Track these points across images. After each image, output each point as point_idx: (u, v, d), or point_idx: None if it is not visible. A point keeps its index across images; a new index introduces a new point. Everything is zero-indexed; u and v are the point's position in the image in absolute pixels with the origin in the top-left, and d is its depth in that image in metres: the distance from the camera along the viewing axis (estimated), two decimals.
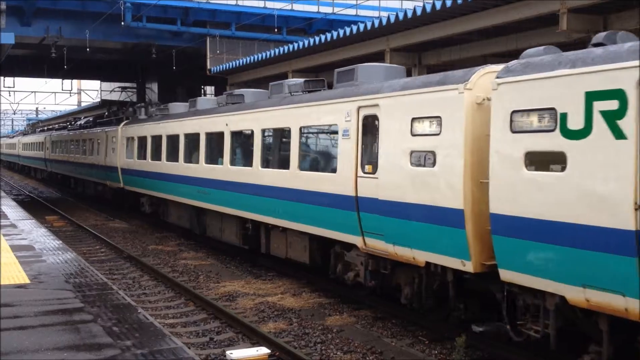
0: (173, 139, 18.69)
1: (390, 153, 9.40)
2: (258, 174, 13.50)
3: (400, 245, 9.26)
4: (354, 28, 17.73)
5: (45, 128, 54.58)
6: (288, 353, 8.69)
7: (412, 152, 9.02)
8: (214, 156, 16.08)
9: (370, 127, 10.03)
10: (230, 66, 25.63)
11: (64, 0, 25.15)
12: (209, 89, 39.66)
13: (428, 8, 14.53)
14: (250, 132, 14.06)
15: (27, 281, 9.44)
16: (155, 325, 7.43)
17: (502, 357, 8.67)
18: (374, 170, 9.77)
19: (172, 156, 18.62)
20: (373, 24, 16.91)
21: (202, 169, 16.47)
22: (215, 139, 16.17)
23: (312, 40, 20.07)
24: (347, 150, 10.42)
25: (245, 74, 25.95)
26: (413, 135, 9.00)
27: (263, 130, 13.55)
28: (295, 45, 21.03)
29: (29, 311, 7.79)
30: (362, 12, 27.64)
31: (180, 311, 11.42)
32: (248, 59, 24.36)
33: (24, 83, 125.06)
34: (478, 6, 13.59)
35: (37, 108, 73.13)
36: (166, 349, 6.51)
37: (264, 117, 13.51)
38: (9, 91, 53.79)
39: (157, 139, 20.09)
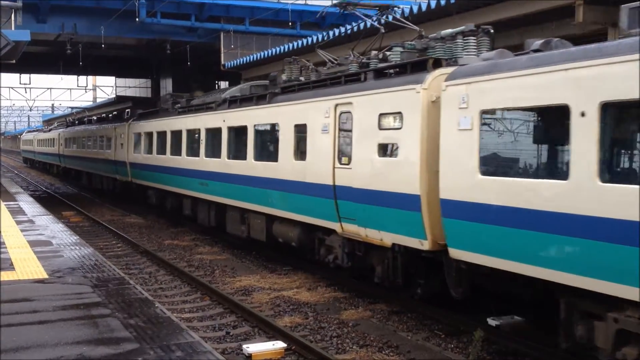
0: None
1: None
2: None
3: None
4: (368, 22, 17.65)
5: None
6: (304, 347, 8.72)
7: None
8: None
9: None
10: (244, 61, 25.67)
11: None
12: (223, 84, 39.74)
13: (433, 5, 14.79)
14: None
15: (46, 276, 9.55)
16: (172, 320, 7.49)
17: (519, 351, 8.64)
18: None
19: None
20: (386, 17, 16.83)
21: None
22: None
23: (325, 35, 20.04)
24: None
25: (259, 69, 25.97)
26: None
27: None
28: (309, 39, 21.01)
29: (47, 306, 7.88)
30: None
31: (197, 305, 11.49)
32: (262, 53, 24.39)
33: (39, 80, 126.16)
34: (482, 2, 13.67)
35: (52, 104, 73.61)
36: (183, 343, 6.56)
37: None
38: (25, 88, 54.18)
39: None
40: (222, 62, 27.30)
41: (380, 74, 10.59)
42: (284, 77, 14.36)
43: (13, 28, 18.21)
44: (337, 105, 11.24)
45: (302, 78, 13.69)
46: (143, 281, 13.27)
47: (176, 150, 19.54)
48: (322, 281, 12.83)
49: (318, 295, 11.83)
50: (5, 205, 19.52)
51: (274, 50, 23.52)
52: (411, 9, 15.98)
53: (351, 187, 10.70)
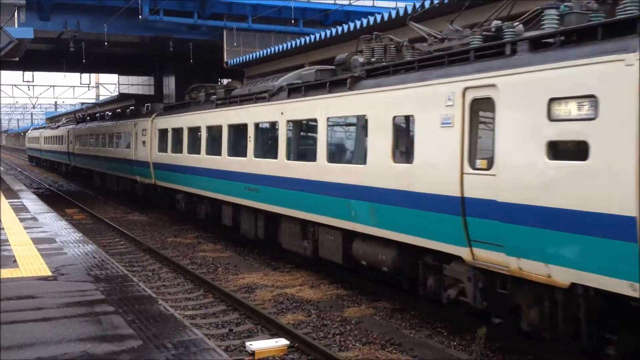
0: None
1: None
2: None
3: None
4: (371, 19, 17.69)
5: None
6: (307, 344, 8.72)
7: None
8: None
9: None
10: (247, 59, 25.69)
11: None
12: (225, 82, 39.79)
13: None
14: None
15: (49, 273, 9.56)
16: (175, 317, 7.50)
17: (522, 349, 8.64)
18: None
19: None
20: (390, 15, 16.85)
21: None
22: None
23: (328, 32, 20.05)
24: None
25: (262, 67, 25.99)
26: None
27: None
28: (312, 37, 21.01)
29: (51, 303, 7.89)
30: (378, 3, 27.59)
31: (200, 303, 11.51)
32: (265, 51, 24.41)
33: (43, 77, 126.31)
34: None
35: (55, 102, 73.77)
36: (187, 340, 6.57)
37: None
38: (28, 85, 54.29)
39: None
40: (225, 60, 27.34)
41: (538, 45, 7.72)
42: (360, 59, 11.56)
43: (16, 25, 18.26)
44: (466, 89, 8.34)
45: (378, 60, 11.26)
46: (146, 278, 13.29)
47: (214, 149, 16.64)
48: (325, 279, 12.83)
49: (321, 292, 11.84)
50: (9, 202, 19.56)
51: (276, 47, 23.52)
52: (397, 11, 15.43)
53: (494, 201, 7.88)
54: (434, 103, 8.88)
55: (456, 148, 8.42)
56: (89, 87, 52.40)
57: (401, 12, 16.24)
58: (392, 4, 25.70)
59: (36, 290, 8.49)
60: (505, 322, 8.38)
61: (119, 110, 29.85)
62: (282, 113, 13.07)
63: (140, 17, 24.89)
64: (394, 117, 9.79)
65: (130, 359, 5.92)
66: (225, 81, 39.88)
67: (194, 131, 18.24)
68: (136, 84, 47.67)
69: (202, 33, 27.71)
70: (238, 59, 26.54)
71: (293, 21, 25.81)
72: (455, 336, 9.34)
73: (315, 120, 11.95)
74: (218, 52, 27.79)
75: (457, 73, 8.58)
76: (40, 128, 64.04)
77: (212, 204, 17.56)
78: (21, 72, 44.06)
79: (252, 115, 14.50)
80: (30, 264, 10.22)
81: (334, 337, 9.36)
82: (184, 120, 18.98)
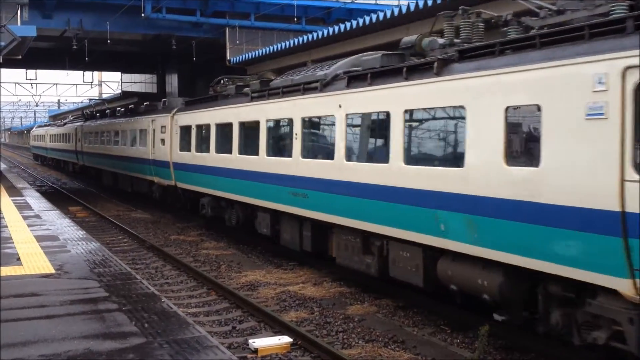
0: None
1: None
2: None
3: None
4: (374, 17, 17.68)
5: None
6: (310, 342, 8.73)
7: None
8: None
9: None
10: (250, 57, 25.69)
11: None
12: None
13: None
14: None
15: (53, 271, 9.58)
16: (178, 314, 7.51)
17: (524, 347, 8.64)
18: None
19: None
20: (393, 12, 16.84)
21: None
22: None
23: (331, 30, 20.03)
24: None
25: (265, 65, 25.98)
26: None
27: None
28: (315, 34, 21.00)
29: (55, 300, 7.91)
30: (381, 1, 27.57)
31: (203, 300, 11.52)
32: (267, 49, 24.40)
33: (46, 75, 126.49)
34: None
35: (58, 100, 73.86)
36: (190, 337, 6.58)
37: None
38: (31, 83, 54.34)
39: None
40: (228, 58, 27.33)
41: None
42: (440, 40, 10.01)
43: (19, 24, 18.29)
44: (627, 69, 6.42)
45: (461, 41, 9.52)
46: (149, 276, 13.31)
47: (249, 148, 14.82)
48: (328, 276, 12.84)
49: (324, 290, 11.85)
50: (12, 200, 19.60)
51: (279, 45, 23.51)
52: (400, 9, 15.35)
53: None
54: (573, 88, 6.92)
55: (613, 147, 6.47)
56: (91, 85, 52.43)
57: (404, 10, 16.21)
58: (395, 2, 25.70)
59: (40, 288, 8.50)
60: (508, 319, 8.37)
61: (132, 106, 27.91)
62: (340, 105, 11.16)
63: (142, 15, 24.89)
64: (507, 108, 7.74)
65: (133, 357, 5.93)
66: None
67: (224, 128, 16.33)
68: (139, 82, 47.69)
69: (205, 31, 27.71)
70: (241, 57, 26.54)
71: (296, 19, 25.80)
72: (459, 333, 9.34)
73: (386, 113, 9.92)
74: (221, 50, 27.79)
75: (609, 49, 6.65)
76: (45, 125, 61.67)
77: (245, 210, 15.73)
78: (24, 70, 44.08)
79: (299, 108, 12.52)
80: (34, 261, 10.24)
81: (337, 334, 9.36)
82: (212, 115, 17.08)
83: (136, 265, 14.31)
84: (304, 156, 12.35)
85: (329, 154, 11.52)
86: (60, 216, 16.18)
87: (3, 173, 35.39)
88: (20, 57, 20.46)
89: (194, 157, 18.28)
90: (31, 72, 44.74)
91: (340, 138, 11.12)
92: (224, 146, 16.17)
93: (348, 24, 19.12)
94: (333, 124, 11.44)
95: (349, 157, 10.96)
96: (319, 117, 12.14)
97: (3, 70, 27.75)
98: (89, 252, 11.23)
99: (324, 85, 11.91)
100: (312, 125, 12.47)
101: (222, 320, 10.24)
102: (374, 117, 10.60)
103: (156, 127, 21.99)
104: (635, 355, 6.64)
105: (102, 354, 5.99)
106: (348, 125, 11.06)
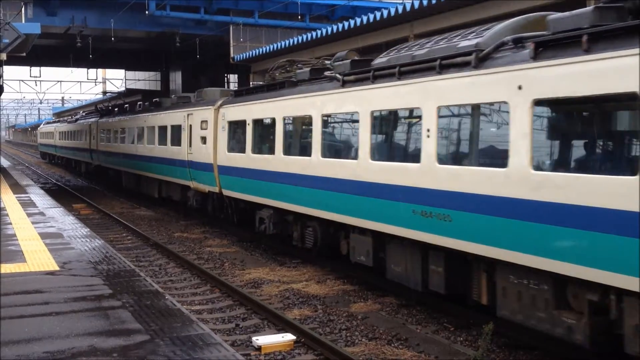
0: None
1: None
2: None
3: None
4: (377, 14, 17.67)
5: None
6: (313, 339, 8.74)
7: None
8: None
9: None
10: (254, 54, 25.70)
11: None
12: (232, 78, 39.86)
13: (424, 2, 14.43)
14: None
15: (57, 268, 9.60)
16: (182, 312, 7.52)
17: (528, 345, 8.64)
18: None
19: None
20: (397, 10, 16.83)
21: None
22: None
23: (335, 27, 20.02)
24: None
25: (269, 62, 25.98)
26: None
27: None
28: (319, 32, 21.00)
29: (59, 297, 7.93)
30: None
31: (206, 298, 11.54)
32: (271, 46, 24.41)
33: (50, 72, 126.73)
34: None
35: (62, 97, 74.01)
36: (194, 334, 6.59)
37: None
38: (35, 81, 54.46)
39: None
40: (232, 55, 27.35)
41: None
42: None
43: (23, 21, 18.33)
44: None
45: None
46: (153, 273, 13.33)
47: (339, 149, 11.94)
48: (331, 274, 12.84)
49: (327, 288, 11.85)
50: (16, 197, 19.65)
51: (283, 43, 23.52)
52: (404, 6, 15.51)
53: None
54: None
55: None
56: (95, 82, 52.55)
57: (408, 8, 16.19)
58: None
59: (44, 285, 8.52)
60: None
61: (156, 99, 25.09)
62: (519, 87, 7.33)
63: (146, 12, 24.93)
64: None
65: (137, 354, 5.94)
66: (231, 77, 40.00)
67: (297, 123, 13.24)
68: (143, 79, 47.73)
69: (209, 28, 27.74)
70: (245, 55, 26.55)
71: (300, 16, 25.79)
72: (462, 331, 9.34)
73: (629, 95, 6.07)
74: (225, 47, 27.81)
75: None
76: (54, 122, 57.24)
77: (326, 229, 12.45)
78: (28, 68, 44.21)
79: (434, 95, 8.85)
80: (38, 258, 10.27)
81: (340, 332, 9.37)
82: (277, 107, 13.65)
83: (140, 263, 14.33)
84: (442, 162, 8.76)
85: (496, 160, 7.89)
86: (64, 213, 16.22)
87: (7, 170, 35.47)
88: (24, 54, 20.53)
89: (250, 159, 14.87)
90: (35, 70, 44.90)
91: (516, 136, 7.38)
92: (297, 147, 13.07)
93: (352, 22, 19.11)
94: (501, 117, 7.87)
95: (537, 165, 7.24)
96: (475, 106, 8.30)
97: (7, 67, 27.81)
98: (93, 250, 11.25)
99: (480, 59, 8.12)
100: (458, 119, 8.76)
101: (225, 317, 10.25)
102: (588, 103, 6.85)
103: (194, 122, 18.64)
104: None
105: (106, 351, 6.01)
106: (535, 119, 7.23)
